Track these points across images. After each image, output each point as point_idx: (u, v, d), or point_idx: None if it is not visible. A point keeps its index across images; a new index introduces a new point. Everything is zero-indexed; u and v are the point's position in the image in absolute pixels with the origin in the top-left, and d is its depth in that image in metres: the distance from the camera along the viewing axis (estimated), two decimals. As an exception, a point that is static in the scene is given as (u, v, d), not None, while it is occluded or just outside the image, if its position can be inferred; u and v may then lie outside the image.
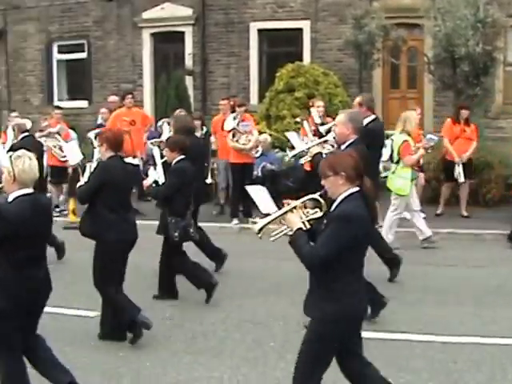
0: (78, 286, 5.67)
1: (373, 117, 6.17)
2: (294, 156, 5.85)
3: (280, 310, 5.31)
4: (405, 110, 9.41)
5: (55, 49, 14.16)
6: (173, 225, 5.41)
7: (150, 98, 13.05)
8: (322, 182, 3.21)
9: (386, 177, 7.63)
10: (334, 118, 7.93)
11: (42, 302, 3.63)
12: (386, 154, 7.62)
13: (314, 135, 7.72)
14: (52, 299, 3.88)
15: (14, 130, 7.82)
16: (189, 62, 12.74)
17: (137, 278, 5.56)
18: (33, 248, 3.48)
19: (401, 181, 6.96)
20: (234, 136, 8.55)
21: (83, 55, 13.82)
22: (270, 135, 10.04)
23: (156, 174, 5.78)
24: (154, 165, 5.95)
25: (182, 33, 12.84)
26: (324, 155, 4.97)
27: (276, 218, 3.37)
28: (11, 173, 3.44)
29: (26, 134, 7.57)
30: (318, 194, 3.30)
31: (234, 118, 8.80)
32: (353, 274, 3.18)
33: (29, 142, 7.14)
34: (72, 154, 6.70)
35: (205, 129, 9.56)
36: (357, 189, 3.15)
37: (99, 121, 10.37)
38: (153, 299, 5.59)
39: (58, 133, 10.07)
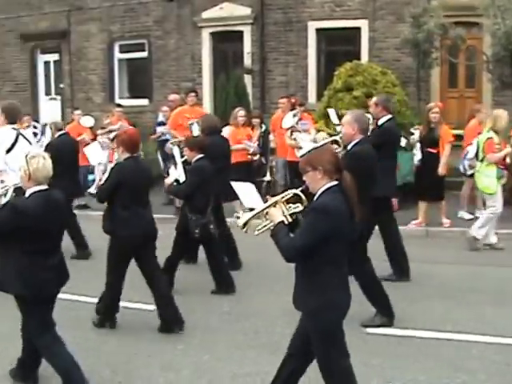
0: (138, 281, 6.10)
1: (389, 116, 6.51)
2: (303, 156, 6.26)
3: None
4: (470, 109, 9.95)
5: (117, 48, 15.11)
6: (193, 222, 5.85)
7: (209, 96, 13.86)
8: (303, 178, 3.47)
9: (472, 174, 8.04)
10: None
11: (56, 289, 4.09)
12: (472, 151, 8.05)
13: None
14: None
15: (51, 129, 8.42)
16: (247, 60, 13.46)
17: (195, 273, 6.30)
18: (45, 240, 3.93)
19: (486, 179, 7.31)
20: (291, 134, 9.23)
21: (144, 54, 14.73)
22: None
23: (177, 173, 6.17)
24: (175, 164, 6.35)
25: (241, 32, 13.57)
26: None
27: (258, 212, 3.65)
28: (27, 171, 3.92)
29: (62, 132, 8.17)
30: (300, 189, 3.54)
31: (294, 116, 9.45)
32: (334, 266, 3.38)
33: (65, 140, 7.88)
34: (94, 154, 7.41)
35: (264, 127, 10.29)
36: (335, 183, 3.40)
37: (160, 118, 11.17)
38: (211, 294, 6.09)
39: (118, 130, 11.00)
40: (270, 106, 12.60)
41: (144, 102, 14.56)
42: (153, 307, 5.37)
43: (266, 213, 3.57)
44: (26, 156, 4.02)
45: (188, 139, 6.55)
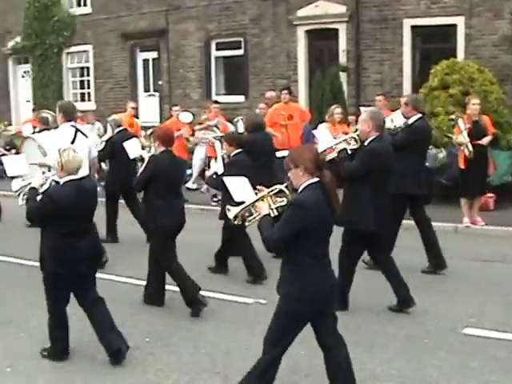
0: (238, 274, 7.25)
1: (418, 116, 7.28)
2: (322, 152, 6.44)
3: (433, 307, 6.11)
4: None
5: (213, 46, 16.60)
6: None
7: (305, 93, 15.13)
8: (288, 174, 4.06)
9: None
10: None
11: (91, 266, 4.99)
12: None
13: (469, 134, 9.31)
14: (215, 284, 5.96)
15: (111, 126, 9.81)
16: (343, 58, 14.60)
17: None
18: (77, 223, 4.79)
19: None
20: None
21: (240, 52, 16.14)
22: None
23: (216, 166, 7.13)
24: (215, 158, 7.50)
25: (336, 30, 14.68)
26: (349, 151, 6.02)
27: (247, 205, 4.22)
28: (60, 163, 4.83)
29: (121, 128, 9.37)
30: (284, 185, 4.13)
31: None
32: (311, 258, 3.88)
33: (124, 136, 8.88)
34: (132, 148, 8.67)
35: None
36: (315, 180, 3.90)
37: None
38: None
39: (215, 126, 12.27)
40: (365, 103, 13.68)
41: (240, 98, 15.98)
42: (250, 300, 6.42)
43: (254, 206, 4.16)
44: (59, 150, 4.93)
45: (227, 135, 7.69)
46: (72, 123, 7.53)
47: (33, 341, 5.51)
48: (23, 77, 21.45)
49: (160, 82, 17.66)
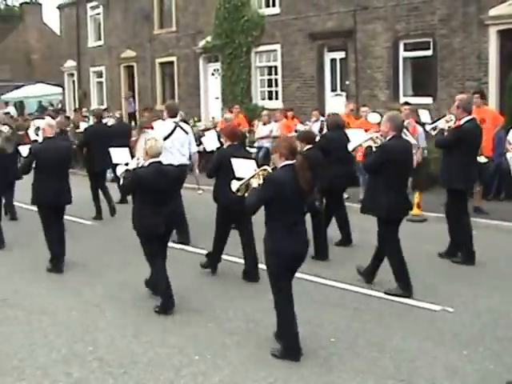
0: (431, 280, 8.59)
1: (469, 117, 9.17)
2: (354, 149, 8.86)
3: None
4: None
5: (401, 47, 18.83)
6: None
7: (496, 96, 16.75)
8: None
9: None
10: None
11: (168, 230, 7.69)
12: None
13: None
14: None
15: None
16: (536, 61, 16.16)
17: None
18: (156, 195, 7.38)
19: None
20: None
21: (428, 53, 18.21)
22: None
23: None
24: None
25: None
26: (374, 149, 7.97)
27: (245, 181, 6.45)
28: (145, 149, 7.62)
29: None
30: (272, 167, 6.25)
31: None
32: (280, 222, 5.98)
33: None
34: (209, 141, 11.10)
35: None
36: (289, 162, 6.03)
37: None
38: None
39: (405, 127, 14.46)
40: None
41: (428, 100, 17.94)
42: (437, 307, 7.44)
43: (249, 181, 6.42)
44: (146, 139, 7.57)
45: (299, 133, 10.38)
46: (174, 119, 10.87)
47: (220, 330, 7.01)
48: (213, 75, 25.35)
49: (347, 82, 20.24)
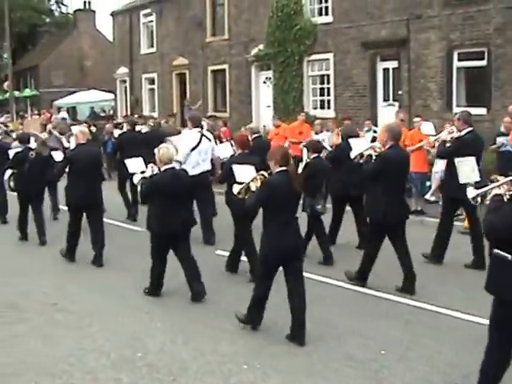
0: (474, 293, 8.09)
1: (469, 129, 9.96)
2: (355, 157, 9.29)
3: None
4: None
5: (455, 56, 18.76)
6: (305, 202, 10.07)
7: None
8: None
9: None
10: None
11: (182, 229, 8.51)
12: None
13: None
14: (452, 302, 7.81)
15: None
16: None
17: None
18: (172, 199, 8.28)
19: None
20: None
21: (483, 63, 18.12)
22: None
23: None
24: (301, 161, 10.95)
25: None
26: (373, 157, 8.64)
27: (245, 185, 7.42)
28: (158, 157, 8.48)
29: (258, 135, 13.22)
30: (268, 172, 7.17)
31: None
32: (274, 222, 6.96)
33: (259, 142, 12.62)
34: (223, 149, 11.70)
35: None
36: (283, 169, 6.98)
37: (501, 129, 13.99)
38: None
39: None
40: None
41: (481, 111, 17.83)
42: (484, 321, 6.46)
43: (249, 185, 7.39)
44: (158, 148, 8.63)
45: (308, 143, 11.12)
46: (199, 129, 11.89)
47: (269, 340, 7.12)
48: (265, 83, 25.58)
49: (400, 92, 20.25)
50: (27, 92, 49.93)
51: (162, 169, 8.53)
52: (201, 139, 11.68)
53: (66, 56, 51.61)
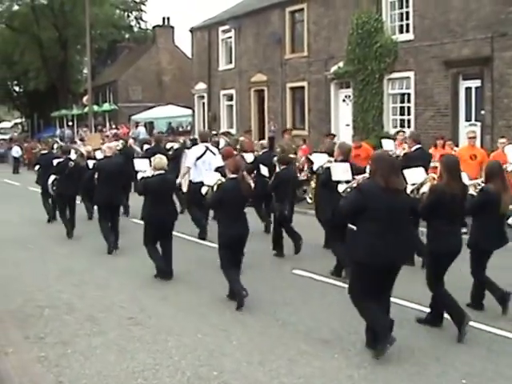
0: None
1: (417, 146, 12.13)
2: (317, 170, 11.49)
3: None
4: None
5: (541, 76, 18.99)
6: (276, 207, 12.45)
7: None
8: None
9: None
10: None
11: (167, 225, 10.89)
12: None
13: None
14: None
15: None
16: None
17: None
18: (160, 197, 10.80)
19: None
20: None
21: None
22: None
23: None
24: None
25: None
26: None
27: (209, 188, 9.72)
28: (153, 164, 11.09)
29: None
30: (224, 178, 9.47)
31: None
32: (228, 217, 9.37)
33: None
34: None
35: None
36: (234, 176, 9.33)
37: None
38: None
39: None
40: None
41: None
42: None
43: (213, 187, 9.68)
44: (154, 158, 11.20)
45: (279, 157, 12.93)
46: (205, 144, 14.44)
47: (347, 363, 7.06)
48: (344, 101, 25.78)
49: (482, 112, 20.08)
50: (106, 106, 51.46)
51: (155, 173, 10.96)
52: (205, 151, 14.13)
53: (144, 71, 53.06)
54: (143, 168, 11.66)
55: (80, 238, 14.38)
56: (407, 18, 22.76)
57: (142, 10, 66.75)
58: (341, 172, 9.27)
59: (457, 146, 18.51)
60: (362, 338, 7.59)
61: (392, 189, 6.98)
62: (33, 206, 18.68)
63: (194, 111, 37.53)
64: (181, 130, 36.17)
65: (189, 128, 37.73)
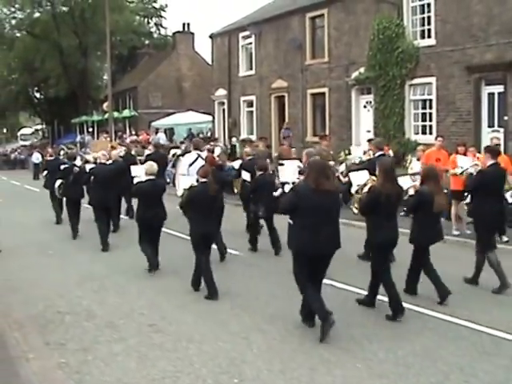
0: None
1: (380, 153, 12.61)
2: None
3: None
4: None
5: None
6: (251, 208, 13.93)
7: None
8: None
9: None
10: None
11: (157, 224, 12.10)
12: None
13: None
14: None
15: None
16: None
17: None
18: (151, 200, 11.83)
19: None
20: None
21: None
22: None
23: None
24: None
25: None
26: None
27: (184, 191, 10.84)
28: (145, 169, 12.16)
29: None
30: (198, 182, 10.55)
31: None
32: (198, 215, 10.35)
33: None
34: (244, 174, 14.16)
35: None
36: (204, 180, 10.49)
37: None
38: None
39: None
40: None
41: None
42: None
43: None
44: (146, 164, 12.66)
45: (259, 164, 13.86)
46: (198, 152, 15.19)
47: (369, 372, 7.09)
48: (365, 107, 25.75)
49: (505, 118, 19.97)
50: (126, 113, 51.73)
51: (146, 178, 12.12)
52: (197, 158, 14.84)
53: (164, 77, 53.31)
54: (138, 173, 13.08)
55: (99, 245, 14.38)
56: (429, 23, 22.71)
57: (161, 17, 67.02)
58: (287, 174, 11.35)
59: (479, 152, 18.33)
60: (385, 347, 7.62)
61: (322, 190, 8.13)
62: (52, 212, 18.82)
63: (214, 117, 37.63)
64: (201, 136, 36.16)
65: (209, 134, 37.77)
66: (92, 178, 15.18)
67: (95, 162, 16.69)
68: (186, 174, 14.26)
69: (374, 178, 9.96)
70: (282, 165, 14.16)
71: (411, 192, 10.11)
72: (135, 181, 12.65)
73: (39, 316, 9.53)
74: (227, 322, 9.07)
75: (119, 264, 13.03)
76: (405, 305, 9.07)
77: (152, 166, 12.24)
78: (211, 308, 9.81)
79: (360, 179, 10.61)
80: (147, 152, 20.67)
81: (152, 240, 12.14)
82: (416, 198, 9.80)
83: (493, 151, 10.70)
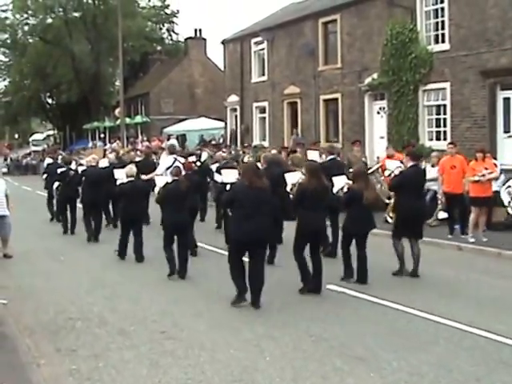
0: None
1: (331, 157, 14.50)
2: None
3: None
4: None
5: None
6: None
7: None
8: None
9: None
10: None
11: (138, 220, 14.04)
12: None
13: None
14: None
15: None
16: None
17: None
18: (132, 199, 13.77)
19: None
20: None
21: None
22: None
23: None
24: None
25: None
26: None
27: (160, 188, 12.39)
28: (126, 172, 14.25)
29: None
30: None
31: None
32: (168, 207, 12.10)
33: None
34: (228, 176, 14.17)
35: None
36: (175, 178, 12.34)
37: None
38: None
39: None
40: None
41: None
42: None
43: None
44: (126, 167, 14.79)
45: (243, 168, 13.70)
46: (174, 156, 16.84)
47: (383, 382, 7.00)
48: (378, 113, 25.69)
49: (521, 123, 20.16)
50: (138, 119, 51.92)
51: (127, 180, 14.05)
52: (173, 162, 15.95)
53: (176, 83, 53.47)
54: (120, 176, 14.95)
55: (111, 251, 14.41)
56: (443, 28, 22.64)
57: (173, 23, 67.31)
58: (228, 176, 13.32)
59: (495, 158, 18.29)
60: (398, 356, 7.54)
61: (254, 187, 9.84)
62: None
63: (226, 124, 37.66)
64: (214, 142, 36.21)
65: (221, 141, 37.81)
66: (83, 178, 17.16)
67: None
68: (164, 175, 15.55)
69: (303, 176, 11.46)
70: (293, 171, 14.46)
71: (345, 189, 11.79)
72: (117, 182, 14.82)
73: (50, 322, 9.54)
74: (239, 330, 9.01)
75: (131, 271, 13.06)
76: (419, 314, 9.14)
77: (131, 169, 14.35)
78: (223, 316, 9.76)
79: (293, 179, 12.02)
80: (137, 158, 21.81)
81: (134, 233, 13.97)
82: (348, 195, 11.56)
83: (413, 155, 12.37)
